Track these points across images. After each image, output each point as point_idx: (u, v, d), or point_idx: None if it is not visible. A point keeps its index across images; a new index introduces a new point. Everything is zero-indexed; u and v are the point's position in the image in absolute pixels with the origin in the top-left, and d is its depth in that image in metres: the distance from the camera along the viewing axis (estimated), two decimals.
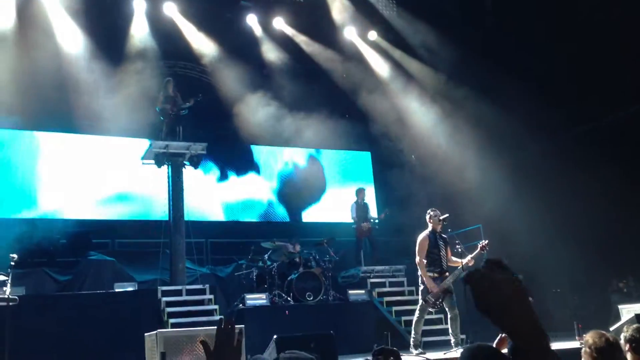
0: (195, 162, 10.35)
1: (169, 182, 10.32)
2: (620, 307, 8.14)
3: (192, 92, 10.86)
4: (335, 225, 12.85)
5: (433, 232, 7.99)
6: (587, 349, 3.25)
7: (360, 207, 11.89)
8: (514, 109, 12.11)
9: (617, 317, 7.85)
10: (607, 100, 11.98)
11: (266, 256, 10.66)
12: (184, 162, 10.31)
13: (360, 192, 12.00)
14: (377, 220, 12.20)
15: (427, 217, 8.09)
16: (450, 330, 7.90)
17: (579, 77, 12.14)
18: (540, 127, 12.48)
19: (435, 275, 7.86)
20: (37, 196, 11.62)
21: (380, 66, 14.30)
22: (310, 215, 14.18)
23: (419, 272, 7.94)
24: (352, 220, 11.84)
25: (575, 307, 10.72)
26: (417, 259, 7.94)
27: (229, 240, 12.71)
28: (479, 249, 7.98)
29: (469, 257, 7.84)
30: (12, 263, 7.01)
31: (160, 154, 10.14)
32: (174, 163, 10.24)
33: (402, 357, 3.84)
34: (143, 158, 10.41)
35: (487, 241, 8.15)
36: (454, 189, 13.04)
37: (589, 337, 3.30)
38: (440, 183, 13.22)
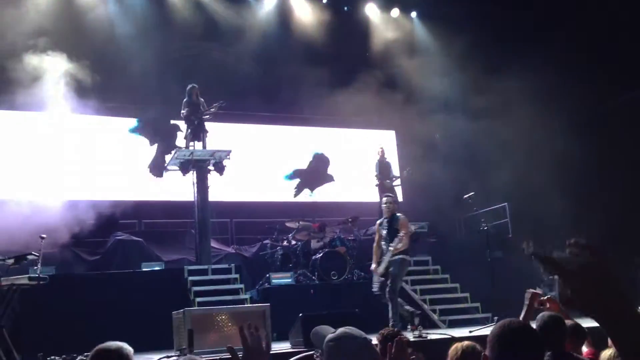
0: (220, 168, 10.35)
1: (194, 187, 10.33)
2: None
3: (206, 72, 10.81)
4: (360, 204, 12.80)
5: (384, 218, 8.22)
6: None
7: (383, 165, 11.92)
8: (540, 84, 11.91)
9: None
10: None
11: (290, 235, 10.71)
12: (209, 168, 10.33)
13: (382, 150, 12.03)
14: (399, 178, 12.32)
15: None
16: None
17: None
18: (567, 101, 12.26)
19: (381, 259, 8.11)
20: (65, 177, 11.76)
21: (403, 41, 14.16)
22: (334, 194, 14.14)
23: None
24: (374, 177, 11.93)
25: None
26: None
27: (254, 220, 12.77)
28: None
29: (393, 245, 7.92)
30: (42, 243, 7.13)
31: (185, 161, 10.17)
32: (199, 169, 10.25)
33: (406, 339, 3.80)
34: (168, 165, 10.46)
35: (413, 228, 8.38)
36: (480, 167, 12.92)
37: None
38: (467, 161, 13.11)
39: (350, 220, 11.12)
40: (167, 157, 11.23)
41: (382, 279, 8.00)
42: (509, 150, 12.59)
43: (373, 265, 8.18)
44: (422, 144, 13.28)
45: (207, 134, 10.53)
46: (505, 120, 12.13)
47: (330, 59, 13.25)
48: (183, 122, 10.85)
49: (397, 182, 12.16)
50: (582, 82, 11.87)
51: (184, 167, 10.23)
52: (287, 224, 11.00)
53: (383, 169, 11.89)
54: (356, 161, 14.01)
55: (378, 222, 8.34)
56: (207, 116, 10.49)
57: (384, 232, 8.06)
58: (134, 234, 11.39)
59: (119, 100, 11.99)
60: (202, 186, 10.26)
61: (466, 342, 3.45)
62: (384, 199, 8.31)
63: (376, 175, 11.83)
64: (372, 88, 12.94)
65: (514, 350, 1.97)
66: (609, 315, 1.17)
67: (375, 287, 8.09)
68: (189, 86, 10.56)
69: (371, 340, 2.31)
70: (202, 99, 10.55)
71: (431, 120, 13.27)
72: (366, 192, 12.64)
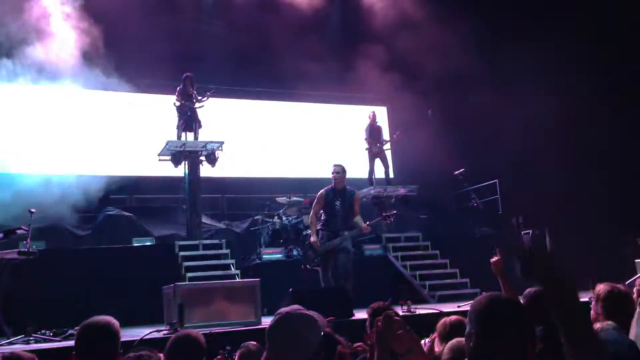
0: (212, 160, 10.26)
1: (184, 178, 10.32)
2: (637, 261, 8.14)
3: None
4: (350, 181, 12.79)
5: (332, 189, 7.65)
6: (601, 302, 3.27)
7: (373, 129, 11.88)
8: (537, 58, 11.86)
9: (634, 272, 7.83)
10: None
11: (281, 211, 10.73)
12: (201, 159, 10.25)
13: (373, 114, 11.95)
14: (389, 142, 12.22)
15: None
16: None
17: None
18: (563, 76, 12.21)
19: (329, 233, 7.54)
20: (56, 152, 11.65)
21: (399, 15, 13.95)
22: (324, 170, 14.11)
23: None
24: (364, 141, 11.82)
25: (590, 262, 10.70)
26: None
27: (245, 196, 12.76)
28: (380, 217, 8.09)
29: (366, 223, 7.53)
30: (32, 217, 7.09)
31: (177, 153, 10.09)
32: (191, 161, 10.17)
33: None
34: (160, 154, 10.37)
35: (393, 212, 8.32)
36: (472, 144, 12.94)
37: (598, 288, 3.32)
38: (459, 138, 13.10)
39: None
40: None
41: (317, 256, 7.50)
42: (501, 128, 12.58)
43: (312, 238, 7.54)
44: (414, 121, 13.24)
45: (200, 126, 10.40)
46: (499, 97, 12.11)
47: (322, 34, 13.13)
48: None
49: (387, 146, 12.14)
50: (579, 58, 11.83)
51: (176, 159, 10.15)
52: (278, 200, 11.00)
53: (373, 132, 11.85)
54: (346, 137, 13.96)
55: (323, 191, 7.68)
56: (200, 105, 10.39)
57: (338, 205, 7.55)
58: (125, 209, 11.37)
59: (115, 74, 11.85)
60: (193, 178, 10.20)
61: (454, 317, 3.48)
62: (333, 168, 7.76)
63: (366, 139, 11.79)
64: (364, 63, 12.86)
65: (498, 326, 1.84)
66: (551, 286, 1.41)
67: (316, 261, 7.54)
68: (184, 75, 10.47)
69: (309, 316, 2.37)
70: (195, 90, 10.45)
71: (424, 96, 13.22)
72: (357, 168, 12.60)
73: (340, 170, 7.69)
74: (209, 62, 11.61)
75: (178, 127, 10.39)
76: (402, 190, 11.74)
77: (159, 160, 10.45)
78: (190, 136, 10.33)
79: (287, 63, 12.50)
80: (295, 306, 2.42)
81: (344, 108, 14.82)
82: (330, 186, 7.73)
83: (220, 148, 10.26)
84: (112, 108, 12.44)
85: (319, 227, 7.57)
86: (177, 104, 10.31)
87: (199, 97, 10.40)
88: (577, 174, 12.20)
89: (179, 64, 10.98)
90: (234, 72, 12.62)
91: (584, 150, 12.31)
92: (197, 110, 10.39)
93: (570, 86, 12.47)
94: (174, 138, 10.32)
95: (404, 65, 13.24)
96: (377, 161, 11.89)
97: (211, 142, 10.21)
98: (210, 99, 10.51)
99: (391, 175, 12.15)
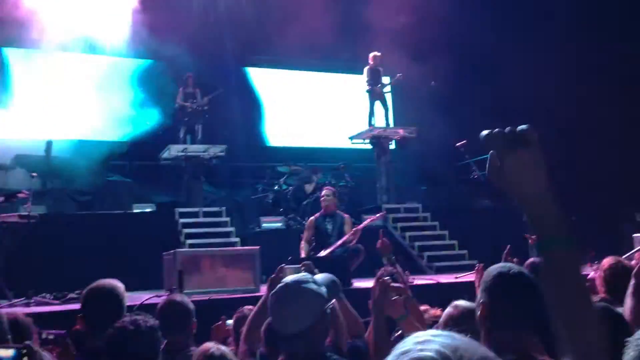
0: (214, 165, 10.17)
1: (184, 186, 10.29)
2: (635, 235, 8.18)
3: None
4: (351, 151, 12.78)
5: (322, 215, 7.66)
6: (602, 273, 3.32)
7: (374, 72, 11.76)
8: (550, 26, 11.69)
9: (631, 247, 7.86)
10: None
11: (282, 180, 10.74)
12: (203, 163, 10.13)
13: (375, 57, 11.75)
14: (389, 85, 12.02)
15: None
16: None
17: None
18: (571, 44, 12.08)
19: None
20: (56, 117, 11.61)
21: None
22: (323, 140, 14.10)
23: None
24: (365, 83, 11.67)
25: (589, 236, 10.73)
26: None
27: (245, 164, 12.74)
28: (372, 219, 7.75)
29: (351, 231, 7.26)
30: (32, 181, 7.11)
31: (179, 157, 9.97)
32: (192, 165, 10.05)
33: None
34: (161, 156, 10.26)
35: (384, 212, 8.40)
36: (474, 116, 12.85)
37: (605, 262, 3.37)
38: (461, 110, 13.04)
39: (342, 166, 11.13)
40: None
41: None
42: (504, 100, 12.50)
43: (303, 254, 7.34)
44: (417, 92, 13.15)
45: (201, 127, 10.27)
46: (504, 68, 12.01)
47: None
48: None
49: (387, 88, 12.03)
50: (585, 31, 11.68)
51: (177, 163, 10.05)
52: (279, 169, 11.00)
53: (374, 75, 11.70)
54: (346, 106, 13.89)
55: (313, 218, 7.72)
56: (205, 107, 10.25)
57: (329, 229, 7.47)
58: (125, 176, 11.37)
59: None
60: (194, 183, 10.11)
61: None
62: (324, 191, 7.74)
63: (367, 81, 11.69)
64: (366, 32, 12.70)
65: (514, 298, 1.86)
66: (528, 195, 1.24)
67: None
68: (185, 75, 10.33)
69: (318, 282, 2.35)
70: (198, 88, 10.32)
71: (427, 68, 13.08)
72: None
73: (330, 194, 7.69)
74: (205, 26, 11.40)
75: (180, 129, 10.22)
76: (401, 132, 11.68)
77: (161, 163, 10.35)
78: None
79: (287, 31, 12.32)
80: (301, 275, 2.40)
81: (347, 77, 14.71)
82: (319, 213, 7.75)
83: (222, 152, 10.10)
84: (116, 74, 12.35)
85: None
86: (178, 103, 10.15)
87: (203, 98, 10.26)
88: (579, 150, 12.17)
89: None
90: (239, 39, 12.43)
91: (586, 126, 12.26)
92: (200, 109, 10.34)
93: (575, 60, 12.37)
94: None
95: (408, 36, 13.07)
96: (377, 104, 11.72)
97: (213, 146, 10.08)
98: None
99: (390, 118, 12.03)
